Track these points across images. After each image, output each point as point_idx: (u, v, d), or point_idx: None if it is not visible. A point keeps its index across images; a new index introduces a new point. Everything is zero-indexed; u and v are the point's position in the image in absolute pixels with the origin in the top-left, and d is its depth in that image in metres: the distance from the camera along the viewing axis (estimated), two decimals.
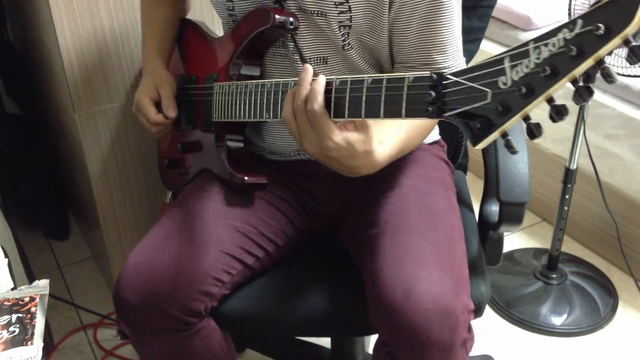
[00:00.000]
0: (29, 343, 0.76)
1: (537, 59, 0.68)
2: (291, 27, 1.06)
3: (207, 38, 1.25)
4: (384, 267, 0.99)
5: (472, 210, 1.33)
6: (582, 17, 0.65)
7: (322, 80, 0.90)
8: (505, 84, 0.71)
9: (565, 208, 1.79)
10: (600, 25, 0.63)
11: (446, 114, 0.77)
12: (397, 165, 1.16)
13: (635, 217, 1.91)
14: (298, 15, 1.08)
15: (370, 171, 0.97)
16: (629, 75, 1.57)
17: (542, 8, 2.21)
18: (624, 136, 1.88)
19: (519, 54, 0.70)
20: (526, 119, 0.71)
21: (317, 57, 1.10)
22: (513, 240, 2.12)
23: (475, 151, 1.34)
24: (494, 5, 1.36)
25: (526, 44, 0.69)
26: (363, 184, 1.16)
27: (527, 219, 2.22)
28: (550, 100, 0.69)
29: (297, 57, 1.10)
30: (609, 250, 2.02)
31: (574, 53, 0.65)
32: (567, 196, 1.77)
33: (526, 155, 1.18)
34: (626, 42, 0.63)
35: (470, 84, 0.74)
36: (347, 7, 1.03)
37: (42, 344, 0.75)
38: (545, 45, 0.67)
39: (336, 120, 0.91)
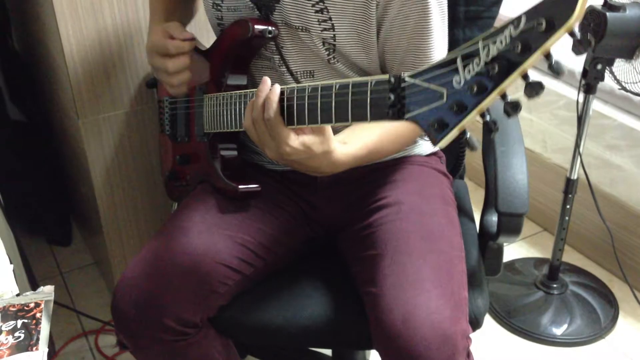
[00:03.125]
0: (34, 348, 0.76)
1: (487, 56, 0.69)
2: (270, 35, 1.07)
3: (196, 50, 1.23)
4: (384, 291, 1.00)
5: (472, 220, 1.33)
6: (525, 13, 0.66)
7: (277, 89, 0.93)
8: (459, 83, 0.72)
9: (566, 218, 1.79)
10: (542, 20, 0.64)
11: (406, 116, 0.78)
12: (395, 180, 1.17)
13: (636, 228, 1.91)
14: (284, 30, 1.09)
15: (333, 170, 0.99)
16: (635, 93, 1.57)
17: None
18: (624, 147, 1.88)
19: (470, 53, 0.71)
20: (483, 115, 0.72)
21: (304, 71, 1.12)
22: (514, 250, 2.12)
23: (477, 160, 1.35)
24: (496, 17, 1.37)
25: (475, 41, 0.70)
26: (362, 194, 1.17)
27: (528, 228, 2.22)
28: (503, 96, 0.70)
29: (285, 70, 1.11)
30: (609, 261, 2.01)
31: (518, 50, 0.66)
32: (568, 206, 1.78)
33: (525, 166, 1.18)
34: (571, 35, 0.64)
35: (427, 85, 0.75)
36: (331, 24, 1.04)
37: (47, 350, 0.76)
38: (494, 43, 0.68)
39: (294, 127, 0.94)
